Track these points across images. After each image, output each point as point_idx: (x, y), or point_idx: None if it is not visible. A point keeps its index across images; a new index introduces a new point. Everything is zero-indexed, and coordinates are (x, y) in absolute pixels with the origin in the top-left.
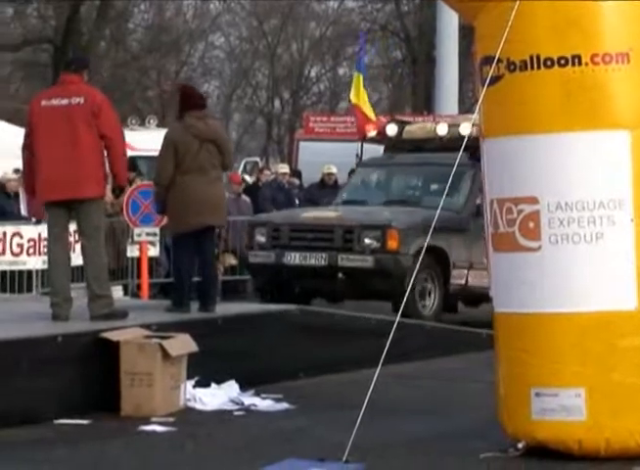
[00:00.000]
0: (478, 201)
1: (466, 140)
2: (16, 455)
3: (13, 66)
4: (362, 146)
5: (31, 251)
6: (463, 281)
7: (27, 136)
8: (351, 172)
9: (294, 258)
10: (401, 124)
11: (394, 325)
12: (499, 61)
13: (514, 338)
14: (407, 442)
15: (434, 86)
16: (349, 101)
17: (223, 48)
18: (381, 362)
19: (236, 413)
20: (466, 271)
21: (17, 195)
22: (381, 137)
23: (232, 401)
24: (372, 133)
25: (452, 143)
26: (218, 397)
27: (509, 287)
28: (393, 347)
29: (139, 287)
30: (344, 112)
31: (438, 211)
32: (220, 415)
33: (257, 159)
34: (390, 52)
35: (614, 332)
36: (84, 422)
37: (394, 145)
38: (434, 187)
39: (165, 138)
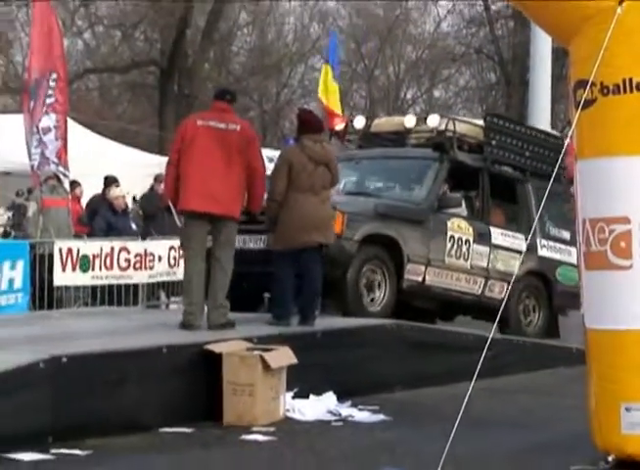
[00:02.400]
0: (440, 194)
1: (434, 133)
2: (122, 462)
3: (120, 87)
4: (330, 140)
5: (138, 265)
6: (419, 278)
7: (176, 152)
8: None
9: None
10: (369, 118)
11: (488, 341)
12: (592, 84)
13: (605, 354)
14: (501, 454)
15: (527, 108)
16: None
17: None
18: (475, 376)
19: (334, 424)
20: (423, 267)
21: (124, 212)
22: (348, 131)
23: (330, 412)
24: (340, 126)
25: (420, 135)
26: (317, 408)
27: (600, 304)
28: (487, 361)
29: None
30: None
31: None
32: (318, 426)
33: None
34: (485, 74)
35: None
36: (188, 430)
37: (365, 140)
38: (396, 180)
39: (281, 157)
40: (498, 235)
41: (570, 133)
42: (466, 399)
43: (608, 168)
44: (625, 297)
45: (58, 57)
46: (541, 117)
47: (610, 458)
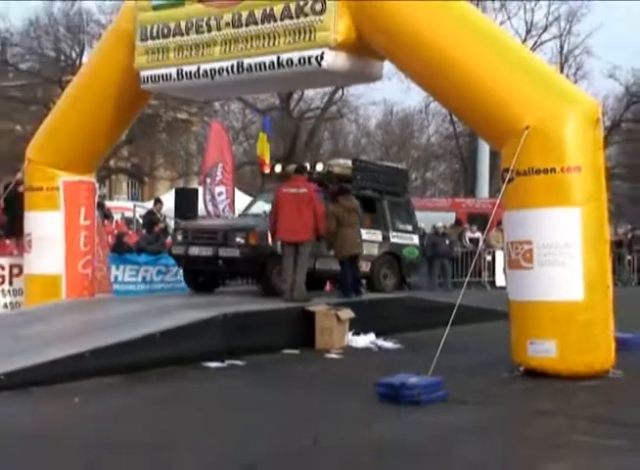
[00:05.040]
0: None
1: (318, 174)
2: (262, 369)
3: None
4: (263, 180)
5: None
6: (311, 266)
7: (273, 207)
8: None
9: (194, 251)
10: (284, 166)
11: (456, 306)
12: (512, 170)
13: (518, 312)
14: (464, 366)
15: (476, 184)
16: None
17: None
18: (449, 324)
19: (373, 350)
20: (314, 259)
21: None
22: (272, 173)
23: (372, 343)
24: (267, 171)
25: (317, 176)
26: (364, 340)
27: (516, 287)
28: (456, 317)
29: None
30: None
31: None
32: (365, 350)
33: None
34: (453, 165)
35: (570, 311)
36: (297, 352)
37: (281, 179)
38: None
39: (329, 210)
40: (364, 233)
41: (500, 197)
42: (444, 337)
43: (520, 215)
44: (529, 283)
45: (226, 155)
46: (484, 188)
47: (521, 369)
